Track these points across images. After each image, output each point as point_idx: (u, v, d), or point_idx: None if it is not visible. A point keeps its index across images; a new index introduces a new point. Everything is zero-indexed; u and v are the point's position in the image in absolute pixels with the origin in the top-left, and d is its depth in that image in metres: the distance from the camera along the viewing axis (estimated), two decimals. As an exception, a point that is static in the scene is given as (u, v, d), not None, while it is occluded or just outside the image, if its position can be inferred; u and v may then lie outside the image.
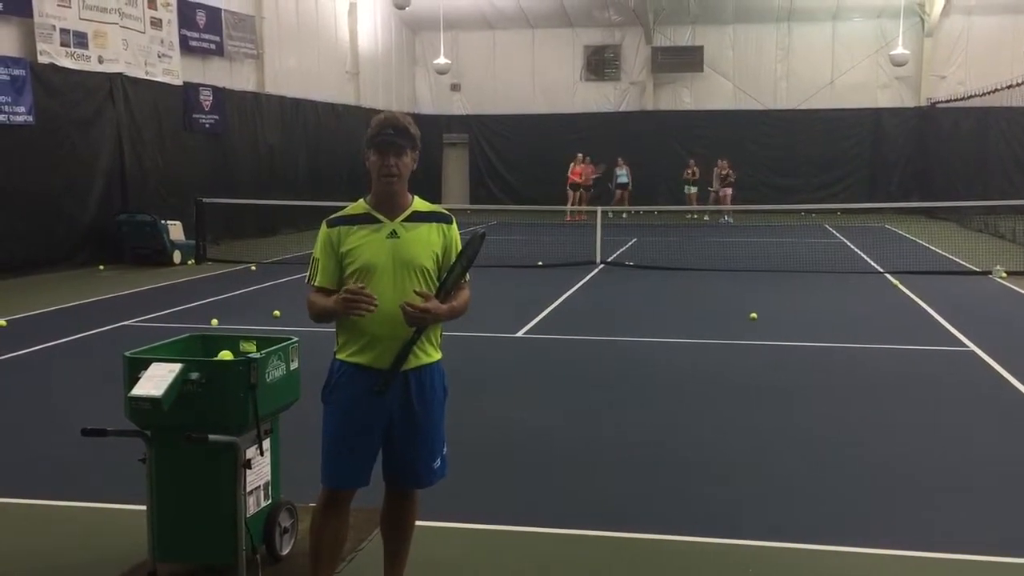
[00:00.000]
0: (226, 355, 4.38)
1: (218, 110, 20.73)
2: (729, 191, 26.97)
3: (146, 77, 18.43)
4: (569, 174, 27.83)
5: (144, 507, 4.31)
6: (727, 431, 6.88)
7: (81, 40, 16.63)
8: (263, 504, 4.44)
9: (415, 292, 3.62)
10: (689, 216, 27.77)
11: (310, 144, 24.84)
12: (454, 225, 3.84)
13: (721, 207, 26.31)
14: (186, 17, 19.81)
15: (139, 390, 3.97)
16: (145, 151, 18.33)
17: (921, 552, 4.74)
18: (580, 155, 28.05)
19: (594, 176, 28.33)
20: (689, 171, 28.03)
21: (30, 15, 15.50)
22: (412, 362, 3.72)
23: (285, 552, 4.54)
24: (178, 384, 4.01)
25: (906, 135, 30.21)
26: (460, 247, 3.82)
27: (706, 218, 27.29)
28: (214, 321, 10.91)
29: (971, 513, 5.28)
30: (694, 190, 27.79)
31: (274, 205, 21.13)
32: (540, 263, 16.87)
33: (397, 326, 3.63)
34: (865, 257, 17.93)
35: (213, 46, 20.92)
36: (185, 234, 17.60)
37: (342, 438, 3.74)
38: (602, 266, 16.64)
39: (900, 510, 5.32)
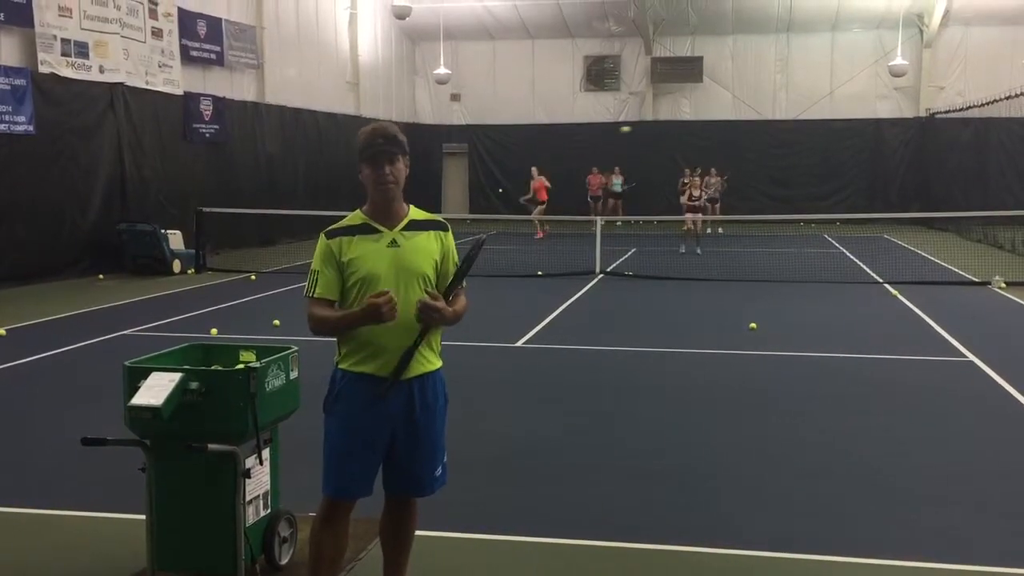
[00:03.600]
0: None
1: (218, 120, 20.77)
2: (694, 216, 21.13)
3: (147, 87, 18.46)
4: (533, 186, 25.31)
5: (143, 517, 4.31)
6: (727, 441, 6.87)
7: (82, 50, 16.67)
8: (262, 514, 4.43)
9: (426, 292, 3.66)
10: (686, 228, 27.63)
11: (310, 154, 24.87)
12: (450, 232, 3.88)
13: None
14: (187, 27, 19.86)
15: (139, 399, 3.98)
16: (145, 160, 18.36)
17: (922, 563, 4.73)
18: (535, 169, 25.49)
19: (606, 186, 28.42)
20: (685, 181, 27.87)
21: (31, 25, 15.54)
22: (415, 370, 3.73)
23: (284, 562, 4.53)
24: (178, 394, 4.01)
25: (905, 146, 30.26)
26: (456, 254, 3.86)
27: (714, 230, 27.09)
28: (214, 330, 10.90)
29: (974, 524, 5.28)
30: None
31: (274, 215, 21.15)
32: (539, 273, 16.88)
33: (400, 335, 3.66)
34: (864, 267, 17.94)
35: (214, 56, 20.97)
36: (185, 243, 17.62)
37: (345, 448, 3.75)
38: (602, 276, 16.66)
39: (900, 521, 5.31)
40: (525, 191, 25.52)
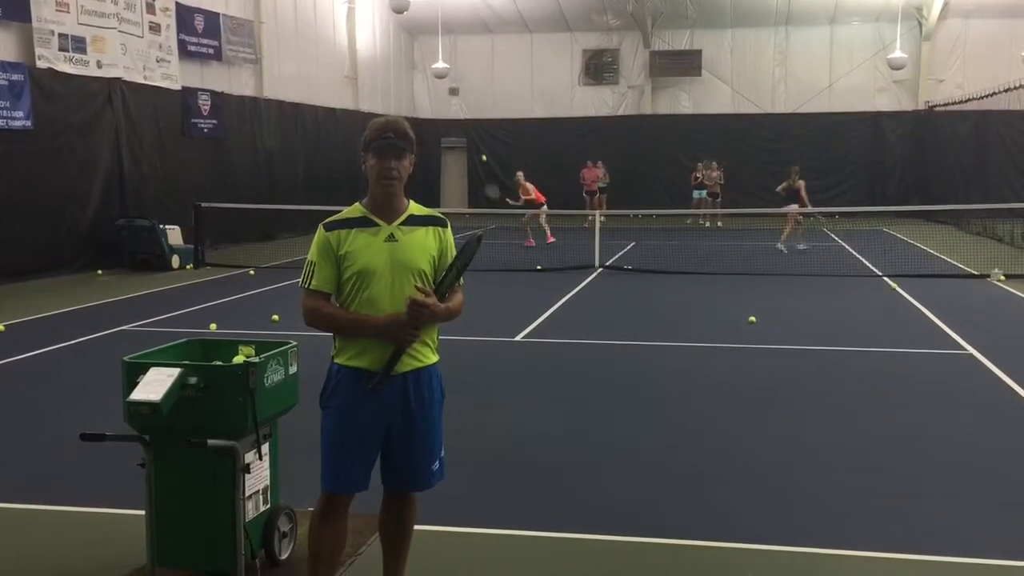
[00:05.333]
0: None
1: (217, 115, 20.73)
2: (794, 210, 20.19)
3: (145, 82, 18.42)
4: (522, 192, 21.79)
5: (143, 512, 4.31)
6: (726, 435, 6.87)
7: (80, 45, 16.63)
8: (262, 509, 4.43)
9: (416, 288, 3.65)
10: (691, 221, 27.68)
11: (309, 148, 24.84)
12: (449, 228, 3.87)
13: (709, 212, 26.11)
14: (185, 22, 19.82)
15: (138, 395, 3.97)
16: (144, 156, 18.33)
17: (921, 556, 4.74)
18: (521, 175, 22.32)
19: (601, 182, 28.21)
20: (697, 175, 27.79)
21: (29, 20, 15.50)
22: (410, 365, 3.73)
23: (284, 557, 4.53)
24: (177, 389, 4.00)
25: (904, 139, 30.25)
26: (455, 250, 3.84)
27: (713, 224, 27.13)
28: (213, 326, 10.90)
29: (974, 516, 5.28)
30: (703, 194, 27.63)
31: (273, 209, 21.12)
32: (539, 267, 16.87)
33: (395, 329, 3.66)
34: (864, 261, 17.94)
35: (212, 51, 20.93)
36: (184, 239, 17.60)
37: (341, 442, 3.74)
38: (601, 270, 16.64)
39: (901, 514, 5.31)
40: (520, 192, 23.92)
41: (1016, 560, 4.67)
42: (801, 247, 19.49)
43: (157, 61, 18.86)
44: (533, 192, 21.45)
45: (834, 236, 23.34)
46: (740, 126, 30.58)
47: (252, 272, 16.56)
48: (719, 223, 26.91)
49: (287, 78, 24.16)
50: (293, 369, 4.45)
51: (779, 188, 20.23)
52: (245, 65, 22.49)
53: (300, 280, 3.80)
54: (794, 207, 19.54)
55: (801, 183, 19.75)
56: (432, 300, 3.62)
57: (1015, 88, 23.01)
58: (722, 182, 26.97)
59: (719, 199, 26.80)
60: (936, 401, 7.86)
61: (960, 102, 27.58)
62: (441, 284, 3.71)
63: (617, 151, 29.78)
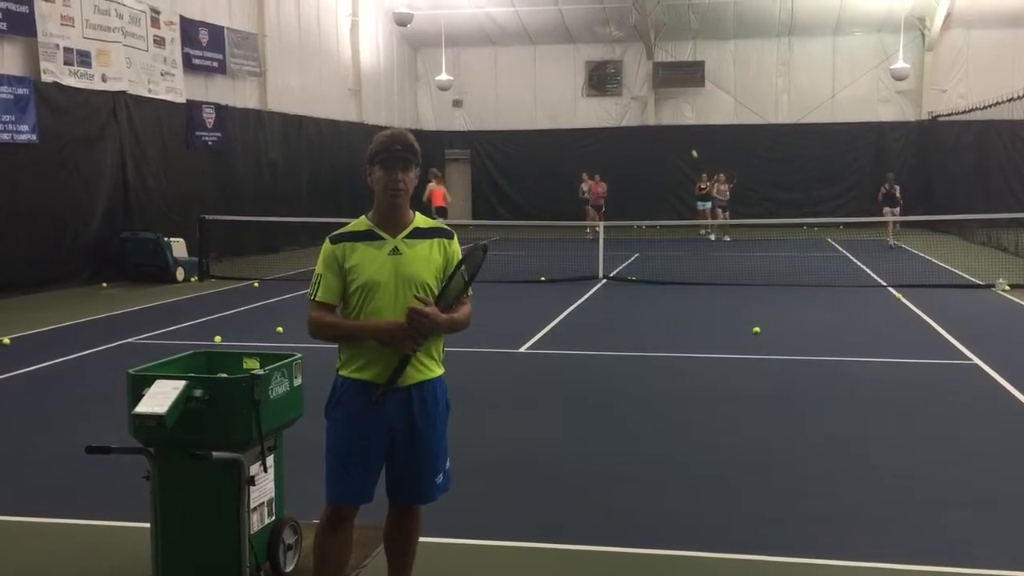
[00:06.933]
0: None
1: (221, 127, 20.80)
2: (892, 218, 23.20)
3: (149, 95, 18.50)
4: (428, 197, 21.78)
5: (148, 525, 4.31)
6: (731, 446, 6.86)
7: (84, 59, 16.70)
8: (267, 521, 4.43)
9: (415, 297, 3.65)
10: (703, 232, 27.67)
11: (313, 161, 24.89)
12: (455, 241, 3.87)
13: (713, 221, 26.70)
14: (189, 35, 19.90)
15: (143, 407, 3.97)
16: (148, 169, 18.39)
17: (928, 567, 4.72)
18: (433, 169, 22.64)
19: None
20: (702, 186, 27.76)
21: (34, 34, 15.57)
22: (415, 377, 3.73)
23: (289, 569, 4.52)
24: (182, 401, 4.01)
25: (908, 149, 30.25)
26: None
27: (722, 237, 27.12)
28: (217, 338, 10.91)
29: (979, 528, 5.27)
30: (708, 205, 27.58)
31: (277, 222, 21.16)
32: (543, 278, 16.88)
33: (399, 341, 3.66)
34: (868, 271, 17.92)
35: (216, 64, 21.00)
36: (188, 251, 17.64)
37: (346, 454, 3.75)
38: (604, 281, 16.64)
39: (906, 524, 5.30)
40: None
41: (1018, 571, 4.65)
42: (893, 245, 22.88)
43: (162, 74, 18.94)
44: (439, 197, 19.80)
45: (838, 246, 23.34)
46: (743, 137, 30.60)
47: (256, 284, 16.58)
48: (726, 236, 26.84)
49: (291, 91, 24.24)
50: (298, 381, 4.46)
51: (880, 195, 23.36)
52: (249, 78, 22.57)
53: (308, 292, 3.82)
54: (896, 210, 22.76)
55: (897, 187, 23.23)
56: (432, 309, 3.62)
57: (1018, 98, 22.98)
58: (728, 196, 26.93)
59: (727, 212, 26.77)
60: (941, 411, 7.84)
61: (963, 112, 27.57)
62: (443, 293, 3.72)
63: (620, 162, 29.81)
